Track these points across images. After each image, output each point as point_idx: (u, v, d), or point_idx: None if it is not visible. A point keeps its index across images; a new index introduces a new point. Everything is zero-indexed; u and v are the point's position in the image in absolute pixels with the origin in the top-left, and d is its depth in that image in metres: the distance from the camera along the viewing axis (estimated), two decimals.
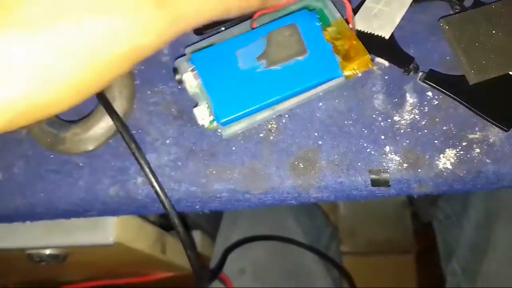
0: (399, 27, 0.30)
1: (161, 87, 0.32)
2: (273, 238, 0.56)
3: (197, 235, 0.65)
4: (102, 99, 0.29)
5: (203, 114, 0.28)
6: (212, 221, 0.68)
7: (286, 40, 0.25)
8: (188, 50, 0.30)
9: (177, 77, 0.29)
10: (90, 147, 0.30)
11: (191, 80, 0.29)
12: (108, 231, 0.38)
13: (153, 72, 0.32)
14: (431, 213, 0.68)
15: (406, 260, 0.93)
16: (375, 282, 0.87)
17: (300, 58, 0.25)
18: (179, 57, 0.30)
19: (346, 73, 0.27)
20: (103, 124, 0.30)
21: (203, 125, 0.29)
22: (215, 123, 0.28)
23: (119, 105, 0.30)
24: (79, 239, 0.39)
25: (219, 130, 0.29)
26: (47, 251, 0.42)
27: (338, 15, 0.28)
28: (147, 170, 0.28)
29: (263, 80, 0.26)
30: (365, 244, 0.96)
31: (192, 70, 0.28)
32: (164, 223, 0.51)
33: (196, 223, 0.68)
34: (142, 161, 0.28)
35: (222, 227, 0.62)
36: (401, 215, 0.95)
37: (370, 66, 0.26)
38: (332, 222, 0.79)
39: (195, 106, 0.29)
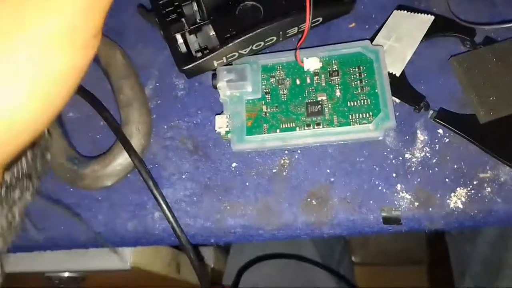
0: (409, 62, 0.31)
1: (177, 121, 0.33)
2: (286, 257, 0.57)
3: (210, 250, 0.66)
4: (120, 136, 0.30)
5: (221, 123, 0.30)
6: None
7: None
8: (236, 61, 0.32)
9: (214, 82, 0.30)
10: (109, 183, 0.31)
11: (224, 89, 0.31)
12: (125, 256, 0.39)
13: (169, 106, 0.33)
14: None
15: (419, 271, 0.93)
16: None
17: None
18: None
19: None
20: (121, 161, 0.31)
21: (218, 133, 0.30)
22: (229, 135, 0.30)
23: (136, 142, 0.31)
24: (97, 264, 0.40)
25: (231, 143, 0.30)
26: (66, 274, 0.43)
27: (385, 72, 0.29)
28: (164, 207, 0.29)
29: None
30: (378, 255, 0.96)
31: (228, 81, 0.30)
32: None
33: None
34: (159, 198, 0.29)
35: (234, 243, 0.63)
36: None
37: None
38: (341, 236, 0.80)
39: (218, 114, 0.31)
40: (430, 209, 0.27)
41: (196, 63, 0.30)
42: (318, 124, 0.29)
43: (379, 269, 0.95)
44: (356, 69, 0.30)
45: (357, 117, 0.28)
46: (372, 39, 0.32)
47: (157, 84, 0.34)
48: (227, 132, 0.30)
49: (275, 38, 0.31)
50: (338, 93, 0.29)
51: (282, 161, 0.30)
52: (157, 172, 0.31)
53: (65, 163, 0.31)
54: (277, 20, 0.29)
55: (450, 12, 0.31)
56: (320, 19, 0.31)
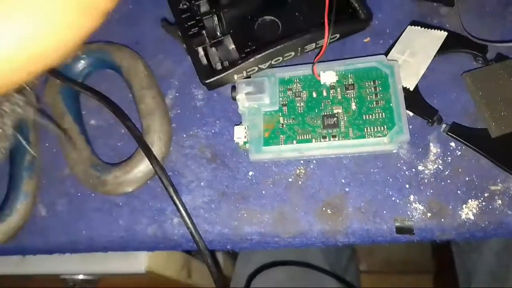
0: (423, 77, 0.32)
1: (196, 131, 0.34)
2: (294, 264, 0.57)
3: (218, 255, 0.67)
4: (142, 145, 0.31)
5: (240, 134, 0.31)
6: None
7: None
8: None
9: (233, 94, 0.31)
10: (130, 189, 0.32)
11: (243, 101, 0.32)
12: (140, 261, 0.40)
13: (188, 116, 0.34)
14: None
15: (424, 280, 0.93)
16: None
17: None
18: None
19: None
20: (143, 168, 0.32)
21: (237, 143, 0.31)
22: (247, 145, 0.31)
23: (157, 150, 0.32)
24: (113, 268, 0.41)
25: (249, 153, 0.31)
26: (81, 277, 0.44)
27: (399, 87, 0.30)
28: (183, 213, 0.30)
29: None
30: (383, 263, 0.96)
31: (247, 93, 0.31)
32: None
33: None
34: (179, 205, 0.30)
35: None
36: None
37: None
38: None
39: (237, 124, 0.32)
40: (442, 220, 0.28)
41: (218, 77, 0.31)
42: (334, 136, 0.30)
43: (385, 278, 0.95)
44: (372, 83, 0.31)
45: (372, 130, 0.29)
46: (386, 54, 0.33)
47: (177, 94, 0.35)
48: (245, 143, 0.31)
49: (293, 53, 0.32)
50: (353, 106, 0.30)
51: (298, 171, 0.31)
52: (176, 179, 0.32)
53: (88, 170, 0.32)
54: (297, 37, 0.30)
55: (462, 29, 0.32)
56: (338, 35, 0.32)
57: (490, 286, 0.52)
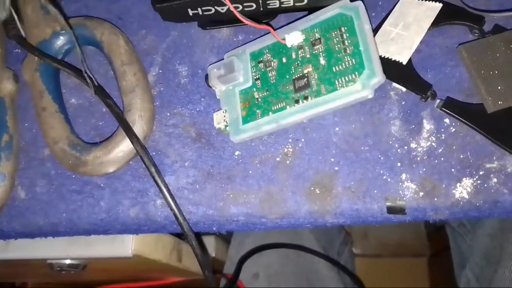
0: (417, 50, 0.30)
1: (180, 109, 0.32)
2: (286, 246, 0.57)
3: (211, 240, 0.66)
4: (122, 123, 0.30)
5: (219, 119, 0.30)
6: None
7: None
8: (226, 55, 0.32)
9: (207, 82, 0.31)
10: (111, 169, 0.31)
11: (218, 85, 0.31)
12: (126, 244, 0.39)
13: (172, 94, 0.33)
14: None
15: (419, 263, 0.93)
16: (387, 285, 0.87)
17: None
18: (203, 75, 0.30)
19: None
20: (124, 147, 0.30)
21: (219, 128, 0.31)
22: (228, 128, 0.30)
23: (139, 128, 0.30)
24: (99, 252, 0.40)
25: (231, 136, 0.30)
26: (67, 261, 0.43)
27: (367, 27, 0.28)
28: (166, 194, 0.29)
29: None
30: (378, 247, 0.96)
31: (219, 77, 0.30)
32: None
33: None
34: (161, 185, 0.29)
35: (236, 232, 0.63)
36: None
37: None
38: (344, 226, 0.80)
39: (215, 111, 0.31)
40: (435, 199, 0.27)
41: (169, 3, 0.30)
42: (306, 98, 0.28)
43: (379, 261, 0.95)
44: (338, 31, 0.29)
45: (343, 80, 0.27)
46: (378, 27, 0.31)
47: (160, 71, 0.34)
48: (226, 126, 0.30)
49: (254, 5, 0.30)
50: (322, 61, 0.28)
51: (286, 150, 0.30)
52: (159, 159, 0.31)
53: (68, 150, 0.31)
54: None
55: None
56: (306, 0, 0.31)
57: (484, 268, 0.51)
